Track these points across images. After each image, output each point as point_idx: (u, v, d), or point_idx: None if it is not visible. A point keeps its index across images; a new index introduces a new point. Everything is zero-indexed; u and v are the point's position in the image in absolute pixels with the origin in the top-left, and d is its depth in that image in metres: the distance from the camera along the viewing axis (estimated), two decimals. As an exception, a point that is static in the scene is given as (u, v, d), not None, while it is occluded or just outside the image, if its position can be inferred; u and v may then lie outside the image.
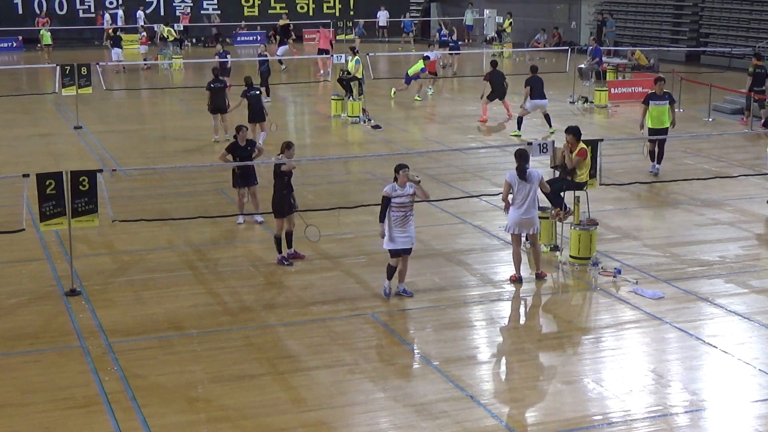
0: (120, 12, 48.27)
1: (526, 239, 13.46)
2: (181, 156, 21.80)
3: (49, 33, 41.72)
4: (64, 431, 9.03)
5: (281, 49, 37.84)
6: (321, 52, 36.51)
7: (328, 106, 27.49)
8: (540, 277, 12.98)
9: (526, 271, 13.19)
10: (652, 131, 19.24)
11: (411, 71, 29.53)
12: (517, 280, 12.88)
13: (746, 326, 11.55)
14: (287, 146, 13.80)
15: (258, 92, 21.29)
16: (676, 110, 19.78)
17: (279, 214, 13.76)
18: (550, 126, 23.84)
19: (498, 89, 25.67)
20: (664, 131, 19.29)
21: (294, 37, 43.31)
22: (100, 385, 9.89)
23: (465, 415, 9.30)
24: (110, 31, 42.45)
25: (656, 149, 19.26)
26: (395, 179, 12.14)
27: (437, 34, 41.48)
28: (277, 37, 35.14)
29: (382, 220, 12.18)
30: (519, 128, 23.79)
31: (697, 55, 38.83)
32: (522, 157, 12.72)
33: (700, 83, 28.89)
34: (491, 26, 46.50)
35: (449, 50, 37.74)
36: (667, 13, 41.21)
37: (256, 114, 21.30)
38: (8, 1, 48.30)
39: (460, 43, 40.88)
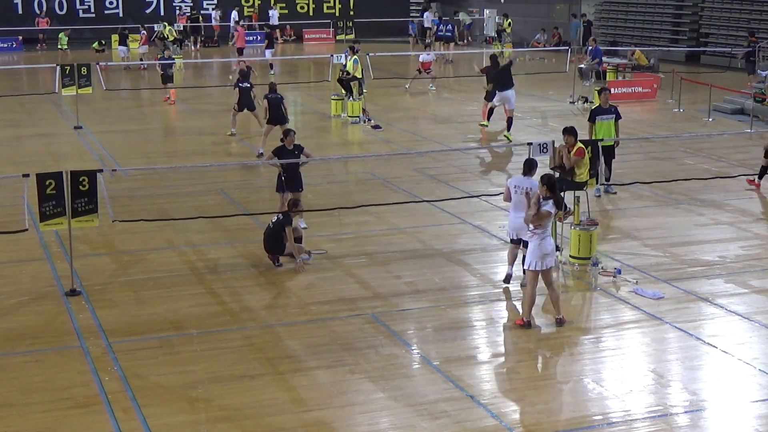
0: (216, 14, 48.83)
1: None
2: (181, 156, 21.82)
3: (67, 37, 41.77)
4: (64, 431, 9.03)
5: (269, 52, 37.45)
6: (239, 51, 37.35)
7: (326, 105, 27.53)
8: (560, 322, 11.49)
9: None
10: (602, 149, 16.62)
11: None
12: (524, 324, 11.41)
13: (746, 326, 11.55)
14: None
15: (280, 96, 21.19)
16: (620, 126, 17.83)
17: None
18: (508, 130, 23.02)
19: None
20: (610, 149, 17.44)
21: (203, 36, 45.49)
22: (100, 385, 9.89)
23: (465, 415, 9.30)
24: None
25: (604, 167, 17.14)
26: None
27: (441, 27, 41.14)
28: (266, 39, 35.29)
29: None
30: (488, 119, 23.85)
31: (697, 55, 38.83)
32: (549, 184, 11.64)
33: (700, 83, 28.90)
34: (491, 26, 46.44)
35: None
36: (667, 13, 41.18)
37: (276, 117, 21.02)
38: (8, 1, 48.29)
39: (460, 42, 40.86)
